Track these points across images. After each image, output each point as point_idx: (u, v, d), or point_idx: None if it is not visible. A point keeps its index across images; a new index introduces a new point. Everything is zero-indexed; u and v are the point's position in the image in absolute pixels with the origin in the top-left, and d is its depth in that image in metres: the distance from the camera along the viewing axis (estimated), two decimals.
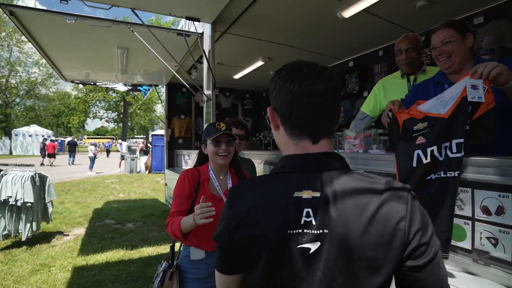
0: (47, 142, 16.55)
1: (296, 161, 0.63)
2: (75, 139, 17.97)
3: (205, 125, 3.18)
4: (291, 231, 0.57)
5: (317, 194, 0.57)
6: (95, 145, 14.26)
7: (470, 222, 1.05)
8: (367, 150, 1.75)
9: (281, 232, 0.57)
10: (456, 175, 1.06)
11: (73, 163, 16.40)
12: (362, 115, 2.27)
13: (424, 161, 1.16)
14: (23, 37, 25.99)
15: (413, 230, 0.55)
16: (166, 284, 1.40)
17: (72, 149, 16.36)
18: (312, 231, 0.56)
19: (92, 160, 13.23)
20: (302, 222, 0.57)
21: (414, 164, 1.19)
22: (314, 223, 0.56)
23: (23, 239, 3.80)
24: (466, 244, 1.06)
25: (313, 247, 0.56)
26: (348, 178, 0.59)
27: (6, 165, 4.07)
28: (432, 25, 3.14)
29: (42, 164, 15.84)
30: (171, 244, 1.58)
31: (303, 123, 0.63)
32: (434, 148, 1.14)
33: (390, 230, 0.54)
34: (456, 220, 1.09)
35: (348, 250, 0.54)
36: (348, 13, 2.77)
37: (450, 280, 0.98)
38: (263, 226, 0.59)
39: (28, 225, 3.80)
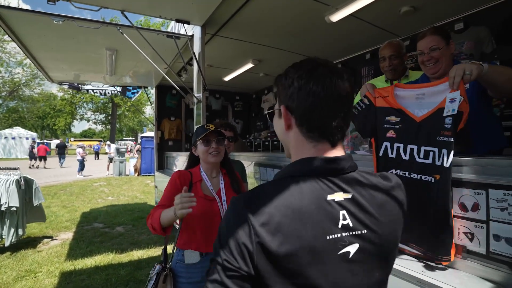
0: (37, 145, 16.59)
1: (320, 164, 0.59)
2: (64, 142, 17.94)
3: (195, 127, 3.19)
4: (331, 236, 0.54)
5: (349, 196, 0.57)
6: (83, 147, 13.96)
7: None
8: (354, 151, 1.81)
9: (321, 239, 0.53)
10: (423, 178, 1.11)
11: (62, 166, 16.45)
12: None
13: (389, 155, 1.22)
14: (5, 36, 25.21)
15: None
16: (160, 287, 1.38)
17: (62, 151, 16.45)
18: (351, 233, 0.56)
19: (81, 163, 12.98)
20: (340, 225, 0.55)
21: (381, 154, 1.26)
22: (351, 225, 0.56)
23: (7, 244, 3.69)
24: None
25: (352, 249, 0.56)
26: (366, 178, 0.61)
27: None
28: (416, 30, 3.27)
29: (31, 167, 15.77)
30: (163, 247, 1.57)
31: (324, 127, 0.60)
32: (401, 145, 1.20)
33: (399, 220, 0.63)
34: None
35: (382, 245, 0.59)
36: (335, 17, 2.84)
37: (430, 274, 1.04)
38: (300, 236, 0.52)
39: (13, 230, 3.70)
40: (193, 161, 1.59)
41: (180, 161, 4.94)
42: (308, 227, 0.53)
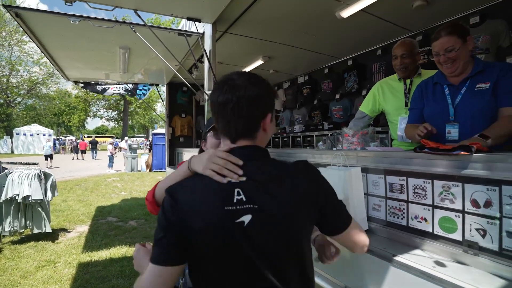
0: (79, 141, 21.30)
1: None
2: (96, 139, 22.10)
3: (205, 124, 3.23)
4: (228, 208, 0.71)
5: (243, 179, 0.74)
6: (113, 144, 15.41)
7: (460, 215, 1.11)
8: (365, 147, 1.81)
9: (220, 210, 0.70)
10: None
11: (95, 158, 20.18)
12: (361, 114, 2.33)
13: None
14: (23, 37, 26.04)
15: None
16: None
17: (94, 146, 20.73)
18: (244, 206, 0.71)
19: (111, 158, 13.48)
20: (235, 200, 0.71)
21: None
22: (244, 199, 0.72)
23: (48, 230, 4.00)
24: (457, 235, 1.11)
25: (246, 219, 0.70)
26: (264, 165, 0.79)
27: (14, 163, 4.14)
28: (429, 25, 3.20)
29: (73, 159, 20.20)
30: None
31: (219, 128, 0.82)
32: None
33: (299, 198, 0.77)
34: (448, 213, 1.14)
35: (273, 218, 0.72)
36: (346, 13, 2.82)
37: (441, 269, 1.04)
38: (206, 210, 0.71)
39: (42, 221, 3.94)
40: None
41: (187, 157, 5.01)
42: (206, 206, 0.72)
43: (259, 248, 0.71)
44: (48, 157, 15.06)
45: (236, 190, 0.72)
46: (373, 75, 3.76)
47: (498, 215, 0.99)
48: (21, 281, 2.95)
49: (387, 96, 2.17)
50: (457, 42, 1.43)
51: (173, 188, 0.77)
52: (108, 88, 5.65)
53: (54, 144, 20.35)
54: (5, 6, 2.65)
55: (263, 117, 0.80)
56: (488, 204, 1.02)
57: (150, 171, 13.29)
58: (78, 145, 20.67)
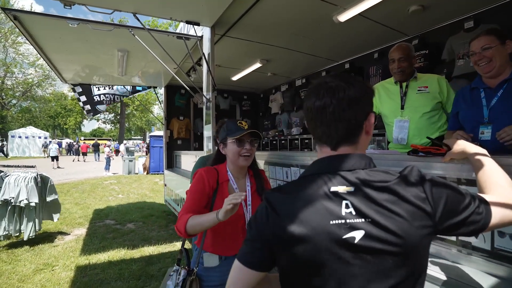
0: (81, 144, 23.07)
1: (323, 163, 0.73)
2: (97, 142, 22.88)
3: (204, 126, 3.25)
4: (334, 222, 0.63)
5: (351, 189, 0.65)
6: (110, 146, 15.64)
7: None
8: None
9: (325, 224, 0.63)
10: None
11: (98, 160, 21.01)
12: None
13: None
14: (18, 38, 25.87)
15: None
16: None
17: (96, 149, 21.80)
18: (354, 220, 0.62)
19: (108, 161, 13.45)
20: (343, 213, 0.63)
21: None
22: (354, 213, 0.63)
23: (25, 238, 3.85)
24: (451, 236, 1.15)
25: (358, 235, 0.62)
26: (374, 173, 0.67)
27: (11, 166, 4.13)
28: (424, 29, 3.26)
29: (74, 161, 21.24)
30: (181, 247, 1.49)
31: (317, 134, 0.74)
32: None
33: (413, 215, 0.64)
34: None
35: (396, 238, 0.61)
36: (343, 17, 2.86)
37: (435, 268, 1.07)
38: (306, 223, 0.63)
39: (31, 224, 3.86)
40: (219, 159, 1.49)
41: (187, 160, 5.03)
42: (308, 220, 0.64)
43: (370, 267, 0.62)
44: (54, 158, 15.72)
45: (344, 202, 0.64)
46: (370, 78, 3.81)
47: None
48: (19, 284, 2.94)
49: (383, 99, 2.21)
50: (494, 41, 1.48)
51: (272, 195, 0.72)
52: (104, 103, 5.69)
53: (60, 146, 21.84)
54: (3, 9, 2.65)
55: (366, 118, 0.73)
56: None
57: (147, 173, 13.25)
58: (80, 148, 22.13)
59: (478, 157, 0.87)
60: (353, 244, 0.62)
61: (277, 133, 5.71)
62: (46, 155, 23.67)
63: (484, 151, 0.88)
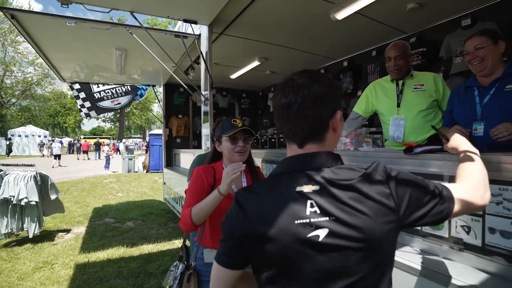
0: (83, 142, 23.85)
1: (291, 162, 0.73)
2: (99, 141, 23.39)
3: (203, 125, 3.26)
4: (299, 221, 0.64)
5: (317, 188, 0.66)
6: (109, 145, 15.94)
7: None
8: (358, 148, 1.85)
9: (290, 224, 0.64)
10: None
11: (98, 158, 21.51)
12: (355, 115, 2.38)
13: None
14: (17, 37, 25.81)
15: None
16: (185, 286, 1.35)
17: (98, 148, 22.45)
18: (319, 219, 0.64)
19: (107, 159, 13.47)
20: (307, 212, 0.64)
21: None
22: (318, 212, 0.64)
23: (30, 236, 3.91)
24: (443, 232, 1.16)
25: (322, 233, 0.63)
26: (337, 173, 0.67)
27: (10, 165, 4.14)
28: (422, 26, 3.26)
29: (78, 159, 21.95)
30: (181, 243, 1.54)
31: (283, 132, 0.74)
32: None
33: (377, 212, 0.65)
34: None
35: (360, 234, 0.62)
36: (341, 15, 2.86)
37: (427, 265, 1.09)
38: (273, 222, 0.65)
39: (34, 223, 3.90)
40: (216, 157, 1.54)
41: (186, 158, 5.04)
42: (274, 219, 0.65)
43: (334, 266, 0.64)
44: (57, 156, 15.95)
45: (309, 202, 0.65)
46: (368, 76, 3.82)
47: (481, 212, 1.04)
48: (18, 282, 2.96)
49: (380, 97, 2.22)
50: (486, 42, 1.55)
51: (242, 195, 0.73)
52: (105, 99, 5.64)
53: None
54: (1, 8, 2.65)
55: (332, 115, 0.72)
56: None
57: (147, 172, 13.26)
58: (81, 146, 23.15)
59: (467, 153, 0.88)
60: (318, 242, 0.63)
61: (275, 131, 5.71)
62: (42, 154, 23.82)
63: (475, 150, 0.89)
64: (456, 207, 0.70)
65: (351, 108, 4.13)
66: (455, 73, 2.89)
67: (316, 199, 0.65)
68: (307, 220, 0.64)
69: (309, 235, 0.63)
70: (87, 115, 5.58)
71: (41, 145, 24.84)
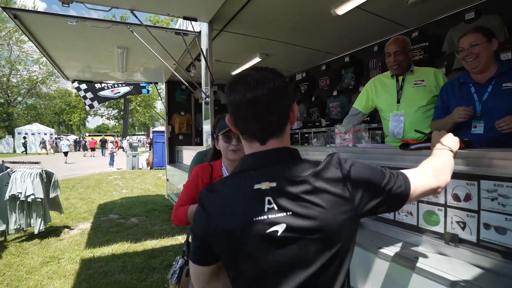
0: (90, 140, 24.59)
1: (250, 160, 0.74)
2: (105, 138, 23.37)
3: (203, 121, 3.28)
4: (257, 218, 0.65)
5: (274, 184, 0.67)
6: (113, 142, 16.49)
7: (443, 208, 1.16)
8: (356, 144, 1.85)
9: (249, 221, 0.65)
10: None
11: (104, 155, 21.39)
12: (355, 111, 2.37)
13: None
14: (22, 36, 26.02)
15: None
16: (183, 280, 1.39)
17: (103, 145, 22.19)
18: (276, 215, 0.65)
19: (112, 156, 13.64)
20: (265, 209, 0.66)
21: None
22: (276, 208, 0.65)
23: (36, 232, 3.99)
24: (439, 228, 1.16)
25: (280, 229, 0.64)
26: (295, 167, 0.69)
27: (17, 162, 4.22)
28: (424, 21, 3.22)
29: (85, 156, 22.62)
30: (185, 239, 1.58)
31: (247, 130, 0.73)
32: None
33: (332, 204, 0.67)
34: (431, 207, 1.19)
35: (317, 226, 0.65)
36: (341, 10, 2.84)
37: (422, 260, 1.10)
38: (233, 220, 0.67)
39: (39, 219, 3.99)
40: (216, 154, 1.56)
41: (189, 155, 5.07)
42: (233, 216, 0.67)
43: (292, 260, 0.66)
44: (65, 154, 16.83)
45: (267, 198, 0.66)
46: (370, 71, 3.79)
47: (476, 208, 1.04)
48: (27, 276, 3.04)
49: (380, 93, 2.21)
50: (481, 39, 1.57)
51: (204, 194, 0.74)
52: (105, 88, 5.65)
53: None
54: (3, 8, 2.68)
55: (290, 108, 0.73)
56: (467, 197, 1.07)
57: (150, 168, 13.38)
58: (88, 144, 23.79)
59: (436, 149, 0.96)
60: (276, 237, 0.64)
61: None
62: (46, 152, 24.16)
63: (448, 146, 0.95)
64: (412, 190, 0.74)
65: (352, 104, 4.13)
66: (458, 67, 2.85)
67: (273, 195, 0.66)
68: (265, 217, 0.65)
69: (268, 231, 0.64)
70: (91, 106, 5.61)
71: (42, 142, 25.12)
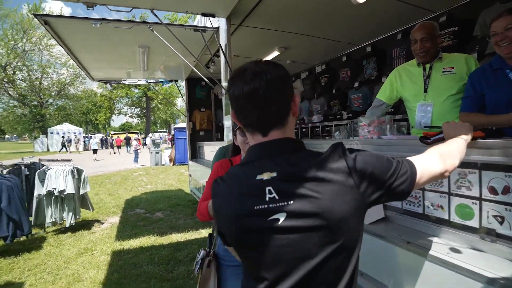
0: (116, 138, 26.54)
1: (254, 151, 0.75)
2: (129, 136, 24.95)
3: (224, 117, 3.31)
4: (258, 207, 0.67)
5: (274, 174, 0.68)
6: (138, 140, 17.07)
7: (477, 202, 1.10)
8: (381, 136, 1.79)
9: (251, 210, 0.68)
10: None
11: (129, 152, 22.41)
12: (378, 102, 2.29)
13: None
14: (50, 41, 27.51)
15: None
16: (205, 271, 1.44)
17: (128, 142, 23.79)
18: (276, 204, 0.66)
19: (136, 153, 14.18)
20: (267, 198, 0.67)
21: None
22: (277, 198, 0.66)
23: (67, 226, 4.26)
24: (473, 223, 1.11)
25: (281, 217, 0.65)
26: (297, 157, 0.70)
27: (49, 160, 4.52)
28: (453, 3, 3.02)
29: (111, 153, 23.88)
30: (209, 232, 1.65)
31: (248, 122, 0.74)
32: None
33: (336, 193, 0.67)
34: (464, 200, 1.14)
35: (318, 216, 0.64)
36: None
37: (456, 256, 1.05)
38: (236, 208, 0.70)
39: (71, 214, 4.24)
40: (236, 150, 1.57)
41: (210, 150, 5.16)
42: (238, 203, 0.70)
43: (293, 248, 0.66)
44: (94, 151, 17.94)
45: (267, 188, 0.67)
46: (393, 60, 3.63)
47: None
48: (65, 265, 3.27)
49: (405, 83, 2.11)
50: None
51: (214, 184, 0.78)
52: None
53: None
54: (35, 15, 2.84)
55: (292, 98, 0.74)
56: (506, 190, 1.00)
57: (173, 164, 13.77)
58: (114, 142, 25.65)
59: (448, 137, 0.98)
60: (278, 226, 0.65)
61: (297, 121, 5.65)
62: (70, 150, 25.40)
63: (463, 137, 0.94)
64: (419, 175, 0.73)
65: (375, 95, 3.99)
66: (491, 52, 2.66)
67: (273, 185, 0.67)
68: (265, 206, 0.66)
69: (269, 218, 0.66)
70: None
71: (68, 141, 26.10)
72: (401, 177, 0.70)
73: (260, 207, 0.67)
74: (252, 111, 0.71)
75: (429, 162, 0.77)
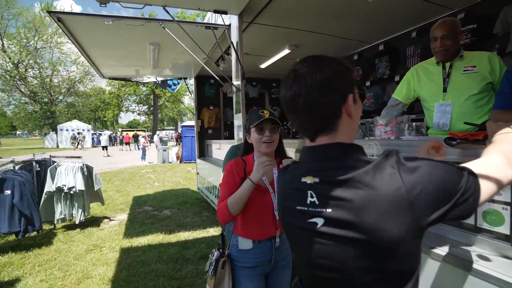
0: (125, 135, 26.62)
1: (304, 153, 0.76)
2: (137, 133, 25.37)
3: (235, 115, 3.28)
4: (299, 208, 0.71)
5: (317, 180, 0.68)
6: (145, 137, 17.21)
7: (508, 207, 1.04)
8: (399, 136, 1.74)
9: (294, 208, 0.72)
10: None
11: (138, 149, 21.94)
12: (394, 102, 2.23)
13: None
14: (61, 38, 27.92)
15: None
16: (219, 272, 1.43)
17: (136, 139, 23.86)
18: (316, 209, 0.67)
19: (143, 151, 14.32)
20: (308, 201, 0.69)
21: None
22: (317, 203, 0.67)
23: (77, 222, 4.29)
24: (503, 229, 1.05)
25: (319, 222, 0.65)
26: (342, 165, 0.65)
27: (59, 157, 4.57)
28: (472, 0, 2.92)
29: (121, 150, 24.40)
30: (221, 232, 1.64)
31: (296, 126, 0.74)
32: None
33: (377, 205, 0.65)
34: (494, 206, 1.08)
35: (358, 228, 0.59)
36: None
37: (485, 263, 1.00)
38: (286, 203, 0.77)
39: (80, 210, 4.27)
40: (247, 149, 1.55)
41: (220, 148, 5.14)
42: (287, 200, 0.77)
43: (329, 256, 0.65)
44: (104, 148, 18.48)
45: (309, 192, 0.68)
46: (407, 59, 3.54)
47: None
48: (74, 262, 3.29)
49: (423, 82, 2.05)
50: None
51: (281, 171, 0.87)
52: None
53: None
54: (48, 12, 2.86)
55: (344, 101, 0.67)
56: None
57: (180, 162, 13.84)
58: (124, 138, 26.15)
59: (498, 134, 0.74)
60: (316, 229, 0.66)
61: None
62: (74, 148, 25.68)
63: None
64: (483, 193, 0.59)
65: (387, 94, 3.90)
66: None
67: (315, 190, 0.68)
68: (306, 208, 0.69)
69: (308, 220, 0.68)
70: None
71: (73, 138, 26.16)
72: (464, 195, 0.58)
73: (301, 208, 0.70)
74: (296, 117, 0.71)
75: (495, 169, 0.62)
